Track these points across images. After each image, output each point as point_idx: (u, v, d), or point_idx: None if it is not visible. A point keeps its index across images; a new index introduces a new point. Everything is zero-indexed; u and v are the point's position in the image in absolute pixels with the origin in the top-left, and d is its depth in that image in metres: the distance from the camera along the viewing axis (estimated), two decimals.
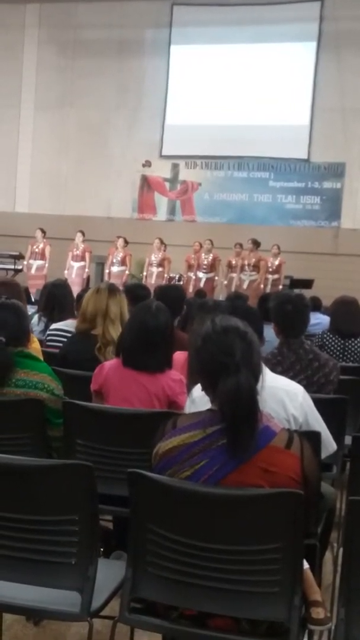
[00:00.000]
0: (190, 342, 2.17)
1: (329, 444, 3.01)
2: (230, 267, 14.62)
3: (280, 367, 3.62)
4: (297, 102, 16.42)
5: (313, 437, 2.70)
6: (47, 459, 2.86)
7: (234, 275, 14.44)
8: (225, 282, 14.51)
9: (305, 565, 2.22)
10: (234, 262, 14.55)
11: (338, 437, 3.30)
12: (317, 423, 2.92)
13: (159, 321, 3.28)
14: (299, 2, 16.16)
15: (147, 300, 4.24)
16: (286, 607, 1.99)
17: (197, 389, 2.36)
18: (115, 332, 4.00)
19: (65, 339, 4.45)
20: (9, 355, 3.05)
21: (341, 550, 2.11)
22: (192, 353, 2.15)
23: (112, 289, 4.19)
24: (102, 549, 3.05)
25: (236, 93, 16.67)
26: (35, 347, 3.78)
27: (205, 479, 2.03)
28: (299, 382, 3.09)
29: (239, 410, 1.97)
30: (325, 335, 5.09)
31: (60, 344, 4.44)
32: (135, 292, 5.81)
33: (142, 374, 3.24)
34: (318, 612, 2.23)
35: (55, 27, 17.93)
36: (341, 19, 15.86)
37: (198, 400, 2.43)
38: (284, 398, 2.79)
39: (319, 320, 6.83)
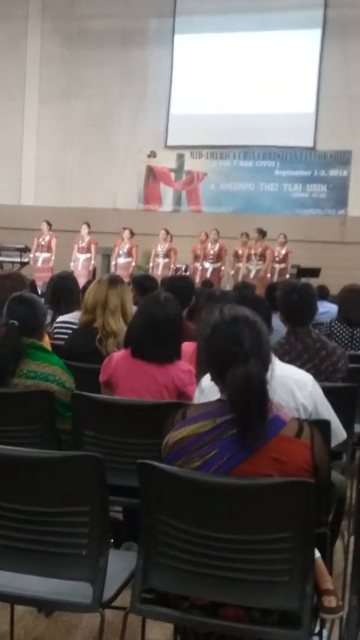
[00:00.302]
0: (198, 332, 2.16)
1: (338, 433, 3.01)
2: (236, 256, 14.59)
3: (288, 357, 3.61)
4: (302, 90, 16.33)
5: (323, 426, 2.70)
6: (57, 451, 2.86)
7: (241, 265, 14.41)
8: (232, 272, 14.50)
9: (317, 554, 2.21)
10: (240, 251, 14.52)
11: (347, 425, 3.29)
12: (327, 412, 2.91)
13: (167, 312, 3.27)
14: None
15: (155, 291, 4.22)
16: (298, 596, 1.99)
17: (206, 379, 2.36)
18: (115, 323, 3.96)
19: (71, 331, 4.45)
20: (20, 342, 3.07)
21: (352, 538, 2.10)
22: (200, 343, 2.14)
23: (112, 280, 4.13)
24: (112, 540, 3.05)
25: (241, 82, 16.59)
26: (45, 340, 3.79)
27: (215, 469, 2.02)
28: (306, 371, 3.08)
29: (248, 400, 1.97)
30: (333, 324, 5.08)
31: (67, 336, 4.44)
32: (143, 283, 5.81)
33: (151, 365, 3.23)
34: (330, 601, 2.22)
35: (59, 18, 17.89)
36: (346, 6, 15.76)
37: (207, 390, 2.43)
38: (293, 387, 2.78)
39: (326, 309, 6.82)
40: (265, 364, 2.06)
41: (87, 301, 4.10)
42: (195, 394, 2.75)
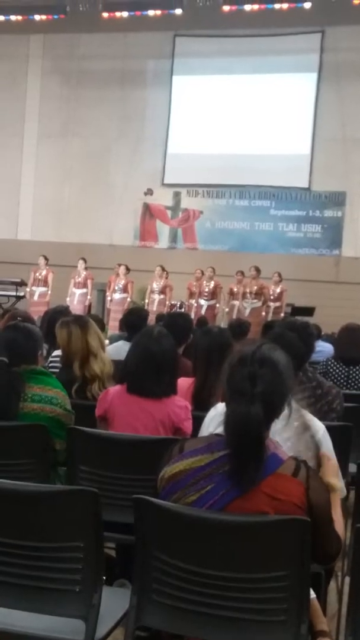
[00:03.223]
0: (230, 356, 2.14)
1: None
2: (231, 294, 14.66)
3: None
4: (298, 132, 16.56)
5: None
6: (52, 485, 2.84)
7: (236, 302, 14.48)
8: (227, 310, 14.55)
9: (312, 594, 2.19)
10: (235, 289, 14.60)
11: (342, 464, 3.27)
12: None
13: (162, 346, 3.27)
14: (299, 34, 16.35)
15: (149, 325, 4.21)
16: (293, 636, 1.96)
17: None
18: (95, 367, 3.91)
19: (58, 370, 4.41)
20: (14, 375, 3.11)
21: (347, 579, 2.08)
22: (226, 367, 2.13)
23: (63, 324, 4.07)
24: (104, 577, 3.01)
25: (238, 123, 16.82)
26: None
27: (210, 504, 2.01)
28: None
29: (244, 443, 1.97)
30: (329, 363, 5.06)
31: None
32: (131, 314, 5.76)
33: (147, 400, 3.23)
34: None
35: (59, 57, 18.16)
36: (341, 50, 16.07)
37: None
38: None
39: (320, 348, 6.82)
40: (273, 410, 2.05)
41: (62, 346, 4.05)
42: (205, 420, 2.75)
